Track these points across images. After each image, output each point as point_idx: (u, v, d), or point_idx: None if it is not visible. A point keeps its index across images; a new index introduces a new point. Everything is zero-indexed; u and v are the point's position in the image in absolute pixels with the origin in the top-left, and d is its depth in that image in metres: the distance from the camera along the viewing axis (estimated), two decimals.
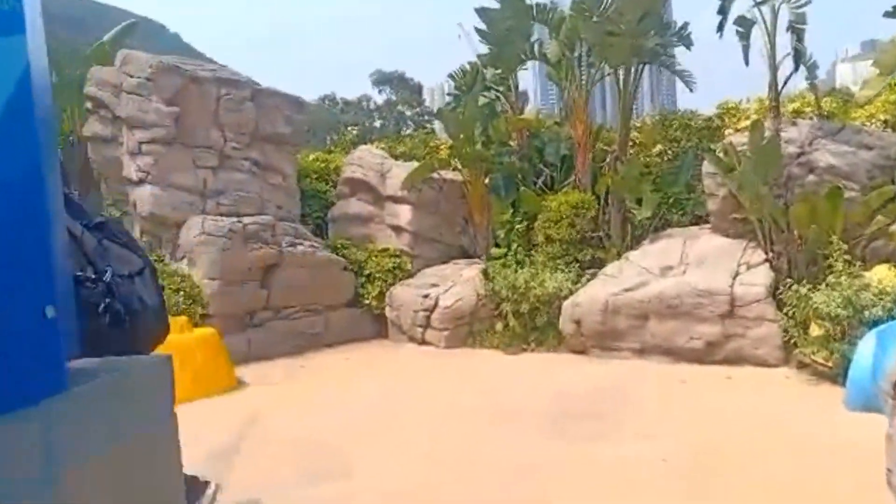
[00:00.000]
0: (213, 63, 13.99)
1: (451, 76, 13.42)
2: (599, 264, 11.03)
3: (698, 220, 11.43)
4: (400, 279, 12.11)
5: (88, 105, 11.33)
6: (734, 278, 9.34)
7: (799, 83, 12.08)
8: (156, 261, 10.57)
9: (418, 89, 49.48)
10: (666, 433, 6.76)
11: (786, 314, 8.81)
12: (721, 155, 10.29)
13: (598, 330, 9.87)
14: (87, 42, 13.11)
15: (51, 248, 1.30)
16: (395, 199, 12.75)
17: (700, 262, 9.87)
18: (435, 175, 12.73)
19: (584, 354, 10.10)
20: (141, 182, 10.74)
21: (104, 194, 11.62)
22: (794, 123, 10.55)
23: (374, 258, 12.21)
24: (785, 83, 10.63)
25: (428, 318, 11.34)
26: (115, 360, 1.75)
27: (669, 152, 12.48)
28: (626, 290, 9.78)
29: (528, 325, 10.81)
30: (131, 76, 10.93)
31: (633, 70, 11.73)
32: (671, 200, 11.70)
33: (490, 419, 7.50)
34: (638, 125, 13.14)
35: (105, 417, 1.53)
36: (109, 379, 1.60)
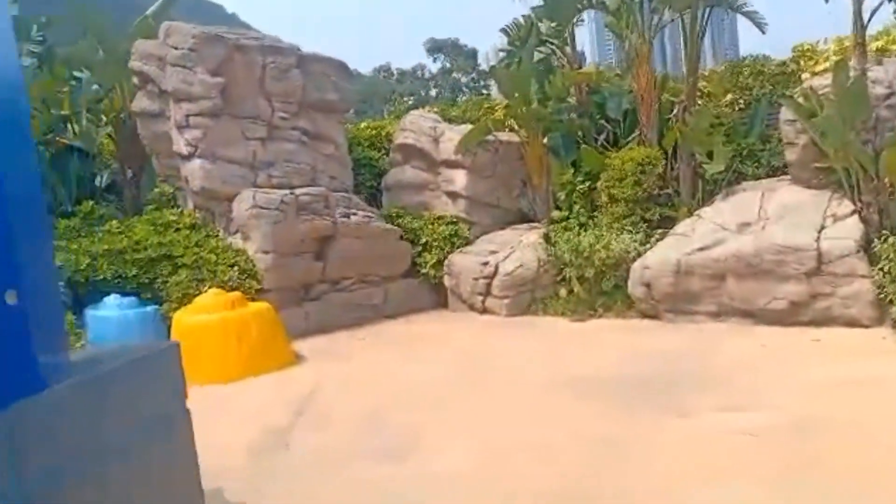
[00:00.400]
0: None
1: (503, 30, 12.76)
2: (669, 223, 10.38)
3: (775, 172, 10.64)
4: (457, 247, 11.68)
5: (135, 80, 11.12)
6: (819, 232, 8.60)
7: (884, 18, 11.08)
8: (210, 236, 10.40)
9: (473, 55, 48.64)
10: (752, 404, 6.18)
11: (880, 269, 8.07)
12: (801, 100, 9.47)
13: (670, 293, 9.27)
14: None
15: (11, 230, 1.30)
16: (450, 164, 12.27)
17: (781, 217, 9.14)
18: (490, 137, 12.19)
19: (655, 319, 9.53)
20: (190, 156, 10.51)
21: (157, 170, 11.45)
22: (880, 62, 9.64)
23: (429, 226, 11.80)
24: (871, 17, 9.71)
25: (488, 285, 10.91)
26: (127, 347, 1.61)
27: (741, 101, 11.64)
28: (700, 249, 9.14)
29: (593, 290, 10.28)
30: (175, 48, 10.67)
31: (699, 14, 10.91)
32: (745, 152, 10.92)
33: (559, 391, 7.04)
34: (705, 73, 12.29)
35: (90, 422, 1.19)
36: (99, 374, 1.28)
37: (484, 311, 10.99)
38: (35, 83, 11.05)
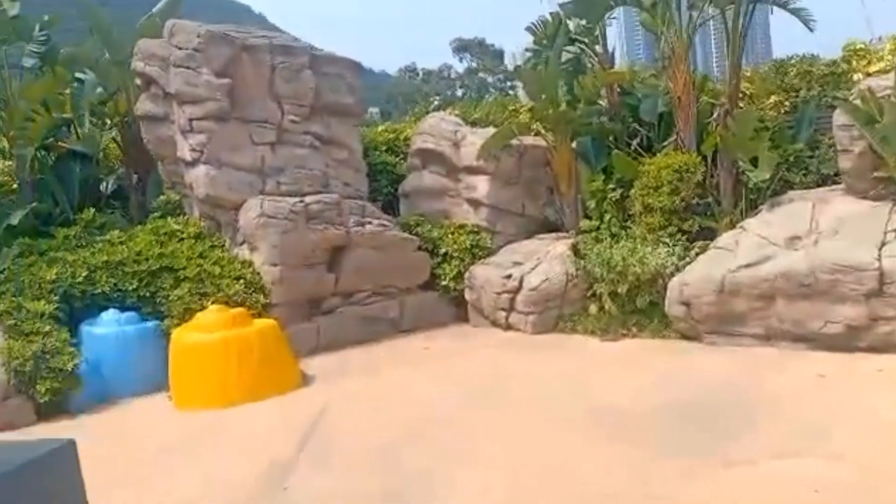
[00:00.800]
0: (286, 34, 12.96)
1: (529, 29, 12.00)
2: (709, 235, 9.57)
3: (825, 181, 9.78)
4: (479, 258, 10.94)
5: (138, 82, 10.54)
6: (881, 249, 7.74)
7: None
8: (215, 246, 9.79)
9: (500, 55, 47.97)
10: (810, 449, 5.40)
11: None
12: (858, 103, 8.62)
13: (712, 313, 8.46)
14: None
15: None
16: (472, 170, 11.55)
17: (835, 231, 8.30)
18: (514, 141, 11.45)
19: (695, 341, 8.73)
20: (195, 162, 9.89)
21: (162, 176, 10.85)
22: None
23: (449, 235, 11.09)
24: None
25: (512, 300, 10.17)
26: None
27: (787, 103, 10.77)
28: (746, 265, 8.32)
29: (626, 307, 9.50)
30: (179, 48, 10.05)
31: (742, 10, 10.08)
32: (791, 159, 10.07)
33: (585, 426, 6.32)
34: (747, 74, 11.44)
35: None
36: None
37: (507, 327, 10.25)
38: (35, 84, 10.51)
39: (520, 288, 10.10)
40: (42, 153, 11.03)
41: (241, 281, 9.18)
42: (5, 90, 10.78)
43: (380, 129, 13.91)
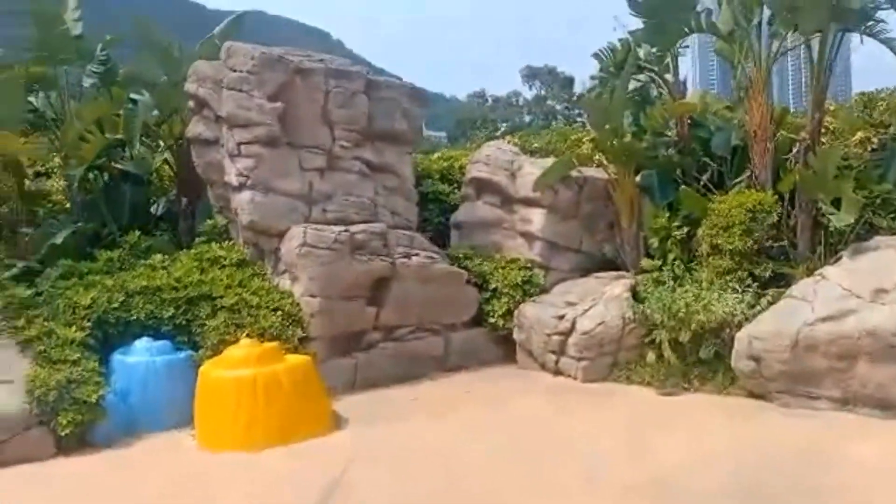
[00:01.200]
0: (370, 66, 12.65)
1: (596, 55, 11.41)
2: (784, 283, 8.73)
3: None
4: (531, 295, 10.32)
5: (191, 104, 10.40)
6: None
7: None
8: (256, 275, 9.48)
9: (569, 83, 47.50)
10: None
11: None
12: None
13: (784, 370, 7.62)
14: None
15: None
16: (527, 202, 10.98)
17: None
18: (574, 173, 10.85)
19: (764, 400, 7.89)
20: (241, 187, 9.64)
21: (211, 200, 10.67)
22: None
23: (500, 270, 10.51)
24: None
25: (563, 343, 9.51)
26: None
27: (874, 140, 9.86)
28: (825, 319, 7.47)
29: (688, 357, 8.74)
30: (233, 70, 9.86)
31: (829, 39, 9.26)
32: (878, 201, 9.14)
33: (643, 499, 5.61)
34: (831, 108, 10.56)
35: None
36: None
37: (556, 371, 9.59)
38: (90, 104, 10.50)
39: (572, 330, 9.45)
40: (94, 173, 11.00)
41: (279, 313, 8.81)
42: (63, 110, 10.83)
43: (434, 156, 13.50)
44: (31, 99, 10.90)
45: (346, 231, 9.49)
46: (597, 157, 11.25)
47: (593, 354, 9.27)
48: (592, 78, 12.23)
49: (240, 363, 7.49)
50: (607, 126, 10.56)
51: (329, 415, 7.91)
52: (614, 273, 10.47)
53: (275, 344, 8.07)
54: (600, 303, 9.66)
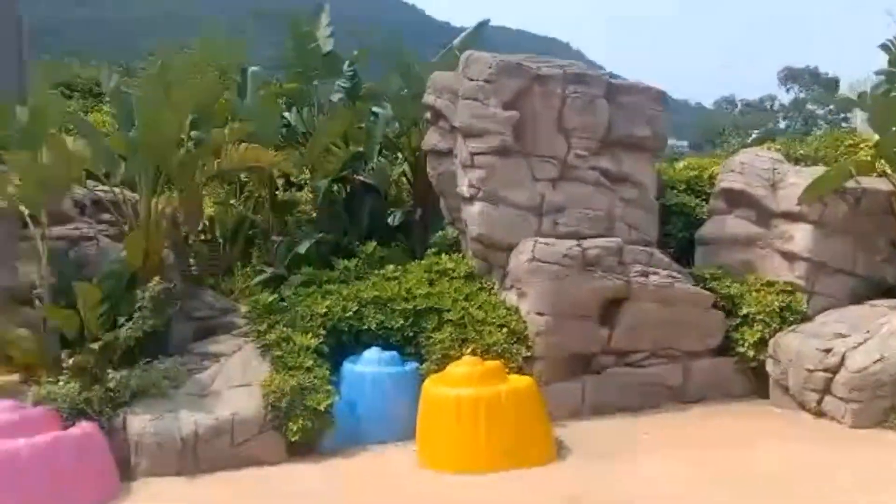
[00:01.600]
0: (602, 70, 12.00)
1: (884, 46, 9.72)
2: None
3: None
4: (790, 323, 9.01)
5: (427, 115, 10.48)
6: None
7: None
8: (483, 289, 9.26)
9: (834, 85, 42.82)
10: None
11: None
12: None
13: None
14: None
15: None
16: (790, 217, 9.61)
17: None
18: (850, 183, 9.33)
19: None
20: (472, 199, 9.46)
21: (444, 212, 10.68)
22: None
23: (753, 293, 9.30)
24: None
25: (828, 381, 8.18)
26: None
27: None
28: None
29: None
30: (470, 79, 9.73)
31: None
32: None
33: None
34: None
35: None
36: None
37: (818, 413, 8.27)
38: (336, 119, 10.97)
39: (840, 366, 8.10)
40: (338, 185, 11.51)
41: (504, 329, 8.47)
42: (312, 124, 11.47)
43: (680, 165, 12.43)
44: (286, 114, 11.70)
45: (577, 246, 8.94)
46: (879, 164, 9.59)
47: (866, 396, 7.87)
48: (877, 73, 10.43)
49: (462, 381, 7.24)
50: (894, 129, 8.92)
51: (551, 443, 7.41)
52: (895, 301, 8.83)
53: (498, 363, 7.74)
54: (877, 336, 8.23)
